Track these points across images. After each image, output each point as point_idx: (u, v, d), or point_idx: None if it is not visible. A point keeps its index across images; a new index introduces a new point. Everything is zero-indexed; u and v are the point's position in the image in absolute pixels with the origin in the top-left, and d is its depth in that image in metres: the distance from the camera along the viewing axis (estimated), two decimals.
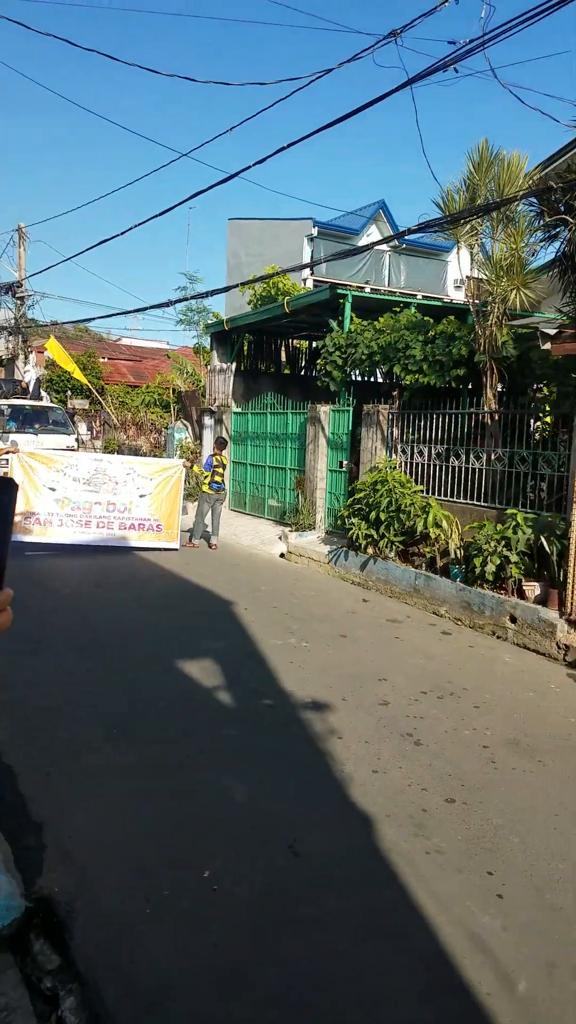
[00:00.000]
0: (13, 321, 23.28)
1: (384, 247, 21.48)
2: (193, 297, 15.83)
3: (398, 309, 10.51)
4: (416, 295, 15.29)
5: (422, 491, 8.74)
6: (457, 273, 16.92)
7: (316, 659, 5.97)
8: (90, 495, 10.24)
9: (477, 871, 3.21)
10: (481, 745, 4.52)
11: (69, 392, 25.19)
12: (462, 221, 7.40)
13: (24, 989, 2.54)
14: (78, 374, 19.10)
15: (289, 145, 7.47)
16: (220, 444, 11.24)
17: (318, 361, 11.13)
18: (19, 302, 23.49)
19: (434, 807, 3.73)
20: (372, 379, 12.83)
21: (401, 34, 6.16)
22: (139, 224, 12.20)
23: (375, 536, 8.80)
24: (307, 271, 18.96)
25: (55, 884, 2.99)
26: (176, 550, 10.43)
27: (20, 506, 9.83)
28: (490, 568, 7.22)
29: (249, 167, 8.16)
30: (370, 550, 9.05)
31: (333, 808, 3.69)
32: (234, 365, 14.58)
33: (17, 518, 9.77)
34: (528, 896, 3.04)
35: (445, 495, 8.69)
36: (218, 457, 10.87)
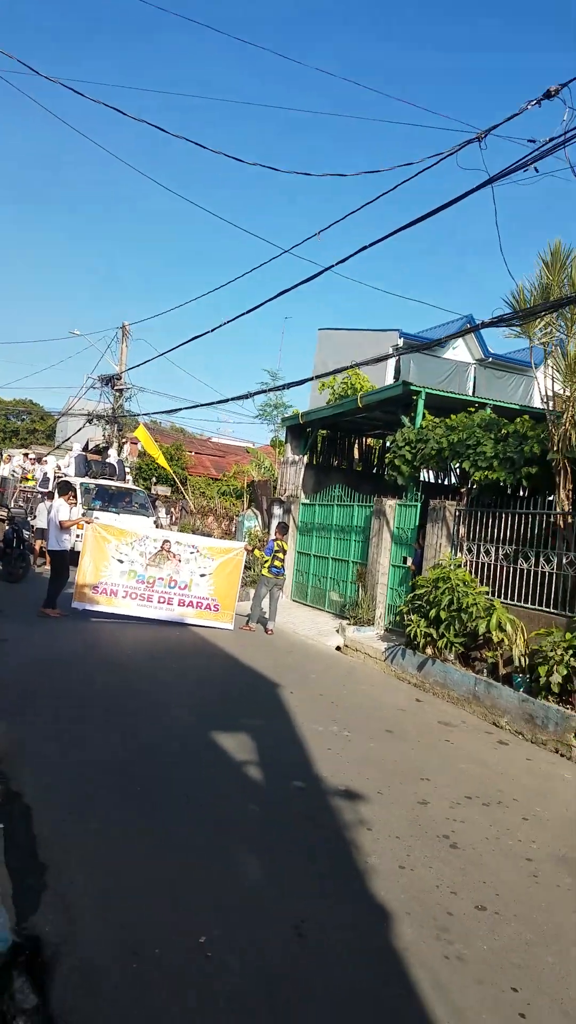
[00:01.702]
0: (111, 411, 25.04)
1: (470, 360, 22.10)
2: (272, 389, 16.59)
3: (473, 409, 10.62)
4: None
5: (487, 592, 8.46)
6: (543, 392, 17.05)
7: (357, 750, 5.68)
8: (154, 570, 10.49)
9: (501, 985, 2.86)
10: (525, 857, 4.11)
11: (154, 479, 26.44)
12: (535, 318, 7.53)
13: None
14: (162, 460, 20.09)
15: (375, 243, 7.84)
16: (282, 529, 11.38)
17: (386, 455, 11.26)
18: (117, 394, 25.34)
19: (462, 912, 3.38)
20: (442, 481, 12.83)
21: (484, 137, 6.51)
22: (229, 321, 13.26)
23: (434, 635, 8.50)
24: (390, 378, 19.65)
25: (47, 925, 2.87)
26: (231, 631, 10.40)
27: (90, 577, 10.18)
28: (555, 679, 6.79)
29: (336, 263, 8.63)
30: (428, 650, 8.73)
31: (349, 897, 3.41)
32: (306, 458, 14.96)
33: (86, 589, 10.09)
34: (554, 1018, 2.66)
35: (511, 598, 8.37)
36: (279, 542, 10.98)
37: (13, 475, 22.74)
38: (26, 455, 25.84)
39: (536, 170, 5.81)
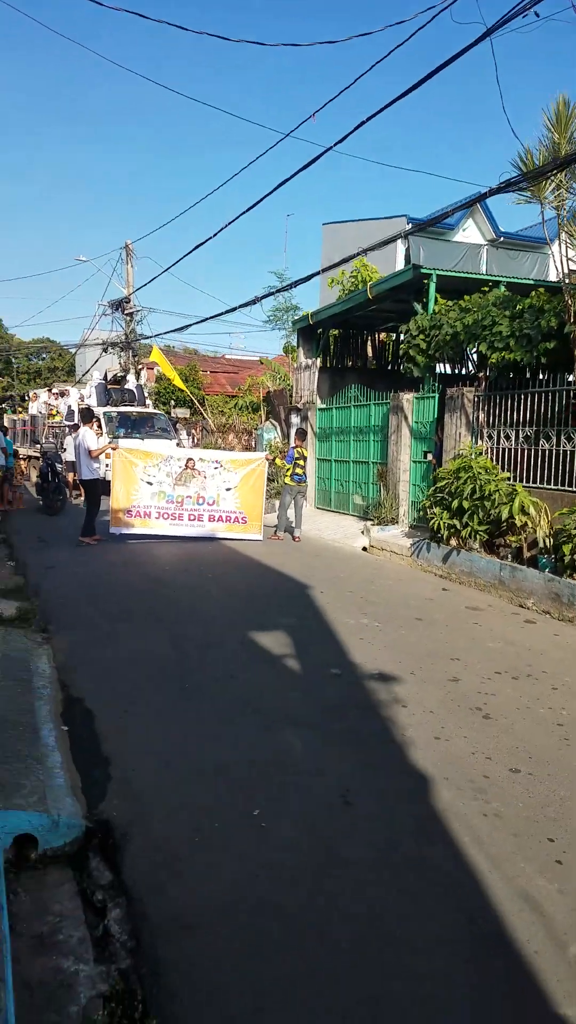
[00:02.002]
0: (124, 337, 24.61)
1: (481, 241, 21.03)
2: (278, 290, 16.00)
3: (487, 289, 10.20)
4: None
5: (508, 478, 8.44)
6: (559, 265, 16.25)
7: (388, 638, 5.91)
8: (182, 489, 10.68)
9: (537, 836, 3.08)
10: (555, 723, 4.31)
11: (172, 403, 26.29)
12: (544, 179, 7.10)
13: (78, 900, 2.70)
14: (178, 381, 19.93)
15: (375, 114, 7.37)
16: (300, 436, 11.37)
17: (400, 347, 10.97)
18: (128, 318, 24.80)
19: (497, 775, 3.61)
20: (458, 370, 12.52)
21: None
22: (231, 222, 12.53)
23: (458, 526, 8.58)
24: (400, 264, 18.84)
25: (114, 810, 3.14)
26: (260, 541, 10.62)
27: (123, 502, 10.39)
28: None
29: (337, 142, 8.11)
30: (453, 541, 8.84)
31: (390, 767, 3.65)
32: (319, 361, 14.67)
33: (120, 513, 10.34)
34: None
35: (534, 481, 8.36)
36: (299, 449, 10.98)
37: (40, 413, 22.89)
38: (50, 391, 25.81)
39: (537, 15, 5.32)
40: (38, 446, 19.56)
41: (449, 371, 13.11)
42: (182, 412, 24.71)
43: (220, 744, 3.84)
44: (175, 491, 10.67)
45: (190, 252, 23.73)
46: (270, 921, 2.51)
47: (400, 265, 19.78)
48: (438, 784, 3.48)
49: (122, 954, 2.37)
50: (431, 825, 3.14)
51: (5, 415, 26.22)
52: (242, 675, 4.89)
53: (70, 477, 14.99)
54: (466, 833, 3.09)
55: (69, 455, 14.82)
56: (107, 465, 11.91)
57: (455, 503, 8.46)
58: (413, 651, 5.55)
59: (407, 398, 10.91)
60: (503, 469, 8.61)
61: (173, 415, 23.00)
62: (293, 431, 13.93)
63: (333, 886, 2.71)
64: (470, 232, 21.38)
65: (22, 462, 19.15)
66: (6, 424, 19.61)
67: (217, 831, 3.01)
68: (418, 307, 10.72)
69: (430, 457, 10.36)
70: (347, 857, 2.89)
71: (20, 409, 29.71)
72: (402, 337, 11.32)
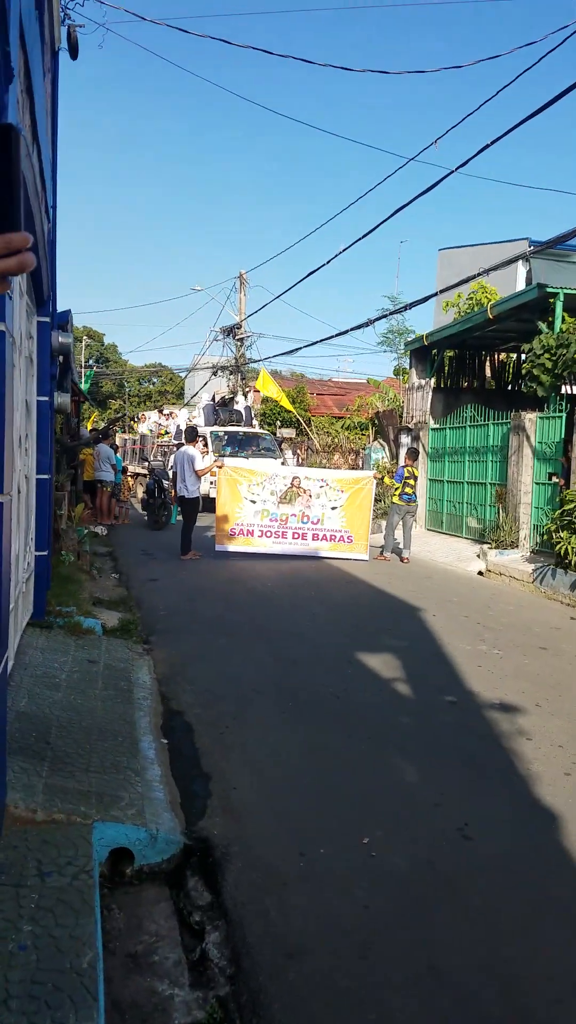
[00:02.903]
0: (234, 361, 25.33)
1: None
2: (392, 312, 15.86)
3: None
4: None
5: None
6: None
7: (509, 665, 5.45)
8: (286, 507, 10.58)
9: None
10: None
11: (279, 423, 26.64)
12: None
13: (175, 920, 2.55)
14: (285, 402, 20.11)
15: (499, 138, 7.16)
16: (412, 455, 11.00)
17: (523, 365, 10.47)
18: (239, 343, 25.52)
19: None
20: None
21: None
22: (345, 249, 12.40)
23: None
24: (520, 288, 18.18)
25: (215, 828, 2.98)
26: (366, 561, 10.33)
27: (227, 520, 10.45)
28: None
29: (462, 165, 7.94)
30: None
31: (513, 801, 3.28)
32: (432, 381, 14.29)
33: (224, 531, 10.36)
34: None
35: None
36: (409, 468, 10.64)
37: (151, 432, 23.90)
38: (160, 411, 26.99)
39: None
40: (146, 463, 20.28)
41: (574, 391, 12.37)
42: (288, 432, 24.94)
43: (327, 767, 3.60)
44: (279, 509, 10.59)
45: (302, 280, 24.07)
46: (378, 958, 2.25)
47: (520, 287, 19.11)
48: (568, 822, 3.08)
49: (220, 980, 2.19)
50: (560, 865, 2.77)
51: (117, 434, 27.56)
52: (350, 697, 4.63)
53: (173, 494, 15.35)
54: None
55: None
56: (212, 483, 12.04)
57: None
58: (538, 681, 5.08)
59: (530, 417, 10.34)
60: None
61: (279, 435, 23.24)
62: (403, 451, 13.60)
63: (449, 923, 2.40)
64: None
65: (129, 479, 19.88)
66: (116, 443, 20.50)
67: (323, 857, 2.78)
68: (543, 326, 10.21)
69: (556, 479, 9.72)
70: (465, 893, 2.57)
71: (130, 429, 31.11)
72: (524, 357, 10.78)
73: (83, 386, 26.77)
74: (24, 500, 4.58)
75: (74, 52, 6.75)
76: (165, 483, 13.78)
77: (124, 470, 17.36)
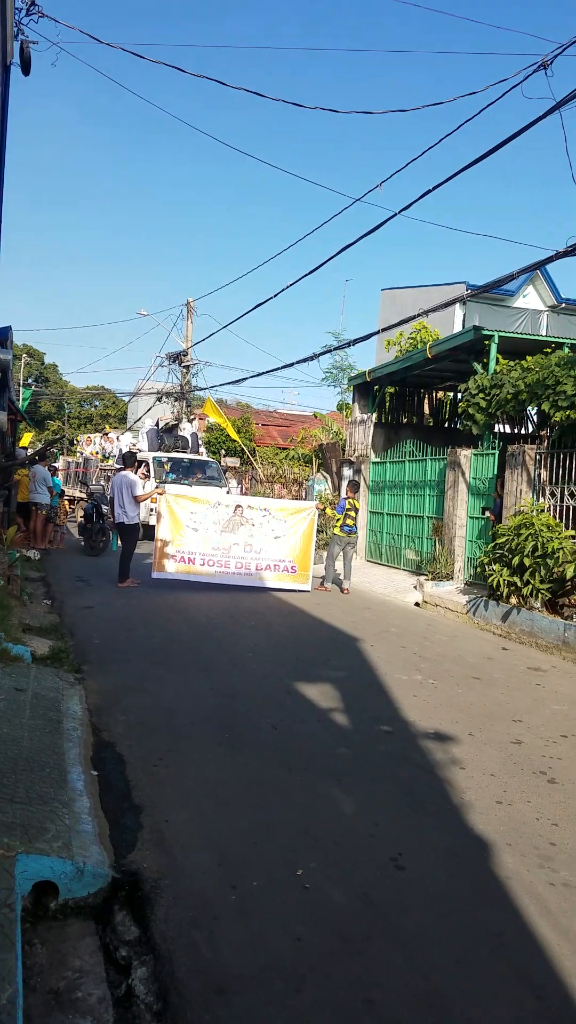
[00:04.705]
0: (179, 388, 25.30)
1: (542, 307, 20.97)
2: (336, 348, 16.21)
3: (549, 350, 10.07)
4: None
5: (573, 536, 8.07)
6: None
7: (443, 696, 5.55)
8: (229, 536, 10.50)
9: None
10: None
11: (223, 452, 26.66)
12: None
13: (100, 956, 2.46)
14: (230, 429, 20.16)
15: (443, 183, 7.51)
16: (353, 487, 11.21)
17: (459, 405, 10.87)
18: (184, 370, 25.54)
19: (565, 842, 3.24)
20: (517, 430, 12.26)
21: (551, 64, 6.13)
22: (291, 285, 12.60)
23: (518, 584, 8.20)
24: (458, 330, 18.91)
25: (145, 861, 2.90)
26: (308, 592, 10.37)
27: (167, 547, 10.29)
28: None
29: (405, 209, 8.27)
30: (513, 599, 8.44)
31: (446, 831, 3.31)
32: (374, 416, 14.62)
33: (164, 558, 10.19)
34: None
35: None
36: (351, 500, 10.80)
37: (94, 455, 23.57)
38: (105, 435, 26.62)
39: None
40: (85, 487, 19.90)
41: (508, 430, 12.89)
42: (232, 461, 24.98)
43: (262, 799, 3.56)
44: (222, 538, 10.50)
45: (249, 311, 24.42)
46: (312, 992, 2.22)
47: (458, 328, 19.91)
48: (500, 850, 3.13)
49: (146, 1016, 2.12)
50: (493, 893, 2.81)
51: (60, 457, 27.00)
52: (288, 728, 4.60)
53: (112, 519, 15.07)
54: (532, 902, 2.75)
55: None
56: (151, 510, 11.88)
57: (516, 560, 8.11)
58: (471, 711, 5.18)
59: (465, 454, 10.70)
60: (567, 527, 8.25)
61: (223, 464, 23.26)
62: (345, 483, 13.80)
63: (384, 956, 2.39)
64: (531, 299, 21.36)
65: (66, 502, 19.44)
66: (58, 465, 20.07)
67: (257, 890, 2.73)
68: (478, 367, 10.64)
69: (488, 514, 10.05)
70: (399, 925, 2.57)
71: (70, 452, 30.52)
72: (460, 396, 11.20)
73: (20, 405, 26.20)
74: None
75: (26, 68, 6.77)
76: (104, 508, 13.53)
77: (62, 493, 16.96)
